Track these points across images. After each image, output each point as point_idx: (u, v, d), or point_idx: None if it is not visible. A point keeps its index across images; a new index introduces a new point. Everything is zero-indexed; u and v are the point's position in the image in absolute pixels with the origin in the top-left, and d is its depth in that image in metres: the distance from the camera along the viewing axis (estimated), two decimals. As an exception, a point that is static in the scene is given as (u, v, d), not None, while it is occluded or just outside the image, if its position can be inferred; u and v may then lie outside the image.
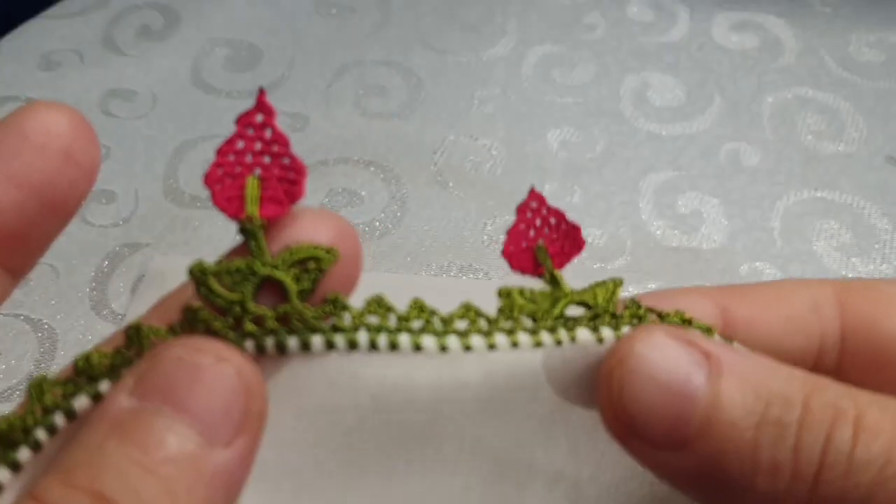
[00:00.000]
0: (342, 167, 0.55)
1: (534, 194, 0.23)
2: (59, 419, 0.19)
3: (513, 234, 0.23)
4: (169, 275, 0.48)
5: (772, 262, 0.50)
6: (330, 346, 0.20)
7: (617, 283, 0.22)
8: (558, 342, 0.21)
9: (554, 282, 0.22)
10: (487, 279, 0.50)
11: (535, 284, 0.23)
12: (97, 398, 0.19)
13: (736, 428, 0.18)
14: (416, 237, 0.52)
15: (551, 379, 0.21)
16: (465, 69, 0.61)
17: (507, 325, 0.21)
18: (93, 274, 0.50)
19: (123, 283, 0.49)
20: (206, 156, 0.56)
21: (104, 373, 0.19)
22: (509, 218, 0.53)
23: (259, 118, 0.21)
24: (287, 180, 0.21)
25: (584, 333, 0.21)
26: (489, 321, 0.21)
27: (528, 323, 0.21)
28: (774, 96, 0.60)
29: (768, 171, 0.55)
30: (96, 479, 0.16)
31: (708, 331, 0.21)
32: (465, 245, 0.51)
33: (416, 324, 0.21)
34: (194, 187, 0.54)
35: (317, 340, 0.20)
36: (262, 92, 0.22)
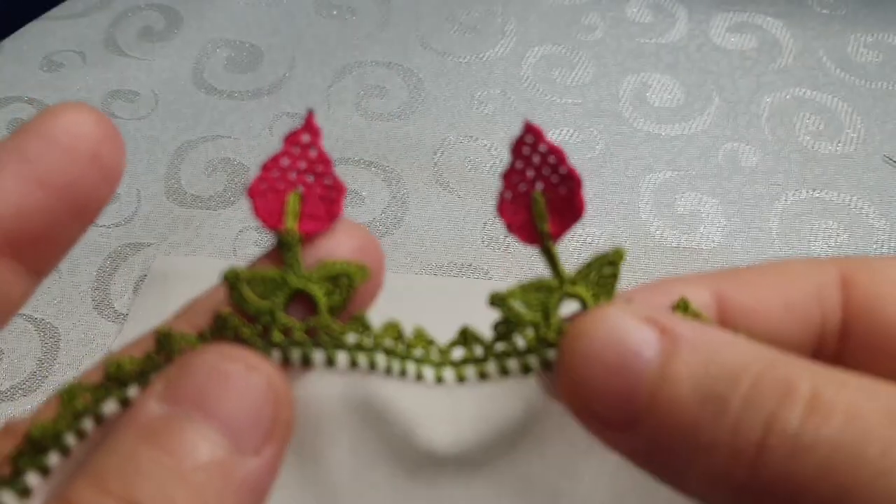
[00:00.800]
0: (343, 167, 0.55)
1: (529, 127, 0.22)
2: (88, 424, 0.19)
3: (508, 177, 0.22)
4: (171, 274, 0.49)
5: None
6: (353, 364, 0.20)
7: (616, 257, 0.21)
8: (545, 365, 0.21)
9: (550, 260, 0.22)
10: (487, 279, 0.50)
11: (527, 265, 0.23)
12: (126, 403, 0.19)
13: (679, 404, 0.17)
14: (416, 237, 0.52)
15: (549, 392, 0.22)
16: (465, 70, 0.62)
17: (500, 346, 0.21)
18: (95, 273, 0.50)
19: (126, 282, 0.50)
20: (207, 156, 0.56)
21: (133, 378, 0.19)
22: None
23: (306, 138, 0.22)
24: (328, 199, 0.21)
25: None
26: (485, 347, 0.21)
27: (520, 343, 0.21)
28: (772, 97, 0.60)
29: (766, 172, 0.55)
30: (129, 485, 0.16)
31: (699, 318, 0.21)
32: (465, 245, 0.51)
33: (419, 352, 0.21)
34: (196, 187, 0.55)
35: (342, 357, 0.20)
36: (310, 113, 0.22)
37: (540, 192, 0.22)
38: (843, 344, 0.21)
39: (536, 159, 0.22)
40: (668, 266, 0.51)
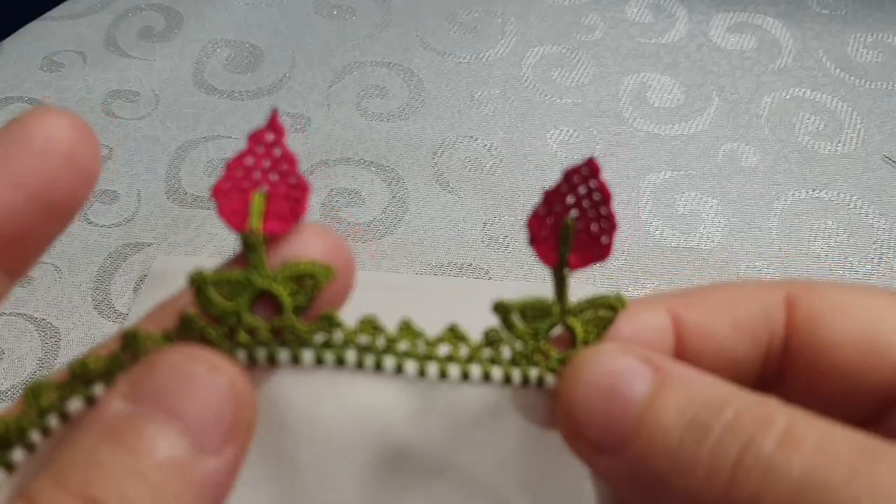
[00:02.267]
0: (343, 167, 0.55)
1: (591, 162, 0.23)
2: (53, 421, 0.19)
3: (550, 195, 0.23)
4: (171, 275, 0.49)
5: (770, 262, 0.51)
6: (319, 361, 0.21)
7: (618, 303, 0.22)
8: (525, 382, 0.22)
9: (559, 287, 0.22)
10: (487, 279, 0.50)
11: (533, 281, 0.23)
12: (91, 401, 0.19)
13: (664, 429, 0.18)
14: (416, 237, 0.52)
15: (523, 411, 0.22)
16: (464, 70, 0.62)
17: (487, 352, 0.22)
18: (96, 273, 0.50)
19: (126, 282, 0.50)
20: (208, 156, 0.56)
21: (99, 376, 0.19)
22: (509, 217, 0.54)
23: (270, 137, 0.22)
24: (292, 198, 0.22)
25: (551, 380, 0.22)
26: (471, 348, 0.22)
27: (506, 354, 0.22)
28: (772, 97, 0.60)
29: (766, 172, 0.55)
30: (88, 482, 0.16)
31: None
32: (465, 245, 0.51)
33: (403, 345, 0.21)
34: (196, 187, 0.55)
35: (307, 355, 0.20)
36: (274, 112, 0.22)
37: (573, 219, 0.22)
38: (785, 360, 0.23)
39: (583, 190, 0.22)
40: (668, 267, 0.51)
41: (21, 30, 0.63)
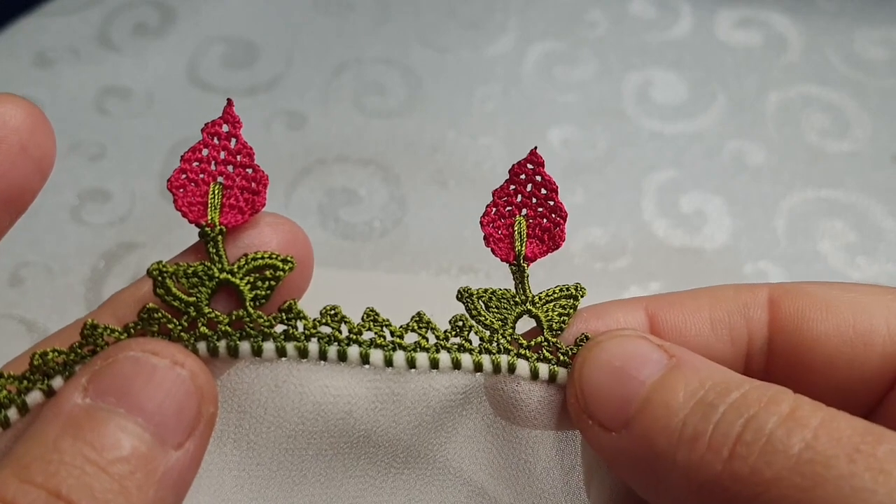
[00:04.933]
0: (341, 166, 0.55)
1: (534, 154, 0.24)
2: (12, 413, 0.19)
3: (499, 194, 0.24)
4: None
5: (776, 262, 0.50)
6: (281, 353, 0.21)
7: (578, 293, 0.23)
8: (496, 370, 0.22)
9: (519, 279, 0.23)
10: (488, 279, 0.49)
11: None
12: (50, 394, 0.19)
13: (670, 409, 0.19)
14: (415, 237, 0.51)
15: (492, 400, 0.23)
16: (464, 67, 0.61)
17: (455, 341, 0.22)
18: (88, 274, 0.49)
19: (119, 284, 0.49)
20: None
21: (58, 369, 0.20)
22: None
23: (225, 128, 0.22)
24: (249, 190, 0.22)
25: (522, 366, 0.22)
26: (438, 337, 0.22)
27: (475, 341, 0.22)
28: (778, 94, 0.59)
29: (772, 170, 0.54)
30: (52, 476, 0.16)
31: None
32: (465, 245, 0.51)
33: (368, 335, 0.22)
34: (191, 186, 0.54)
35: (268, 347, 0.21)
36: (229, 102, 0.22)
37: (523, 216, 0.24)
38: (770, 359, 0.23)
39: (530, 187, 0.24)
40: (671, 267, 0.50)
41: (13, 26, 0.63)
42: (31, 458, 0.17)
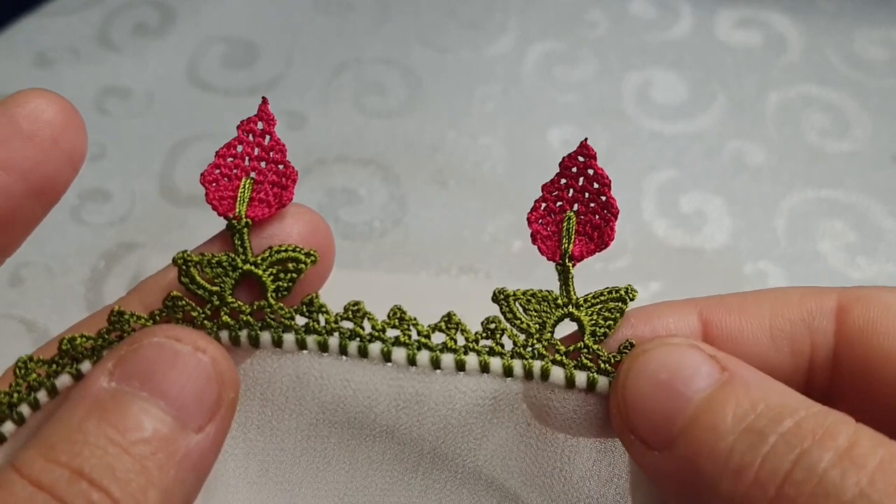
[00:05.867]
0: (341, 166, 0.55)
1: (585, 147, 0.22)
2: (42, 396, 0.20)
3: (549, 189, 0.23)
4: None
5: (776, 262, 0.50)
6: (301, 345, 0.21)
7: (627, 295, 0.22)
8: (528, 376, 0.21)
9: (564, 279, 0.22)
10: (488, 279, 0.49)
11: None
12: (79, 377, 0.20)
13: (717, 433, 0.17)
14: (415, 237, 0.51)
15: (528, 403, 0.22)
16: (464, 67, 0.61)
17: (486, 343, 0.21)
18: (89, 274, 0.49)
19: (119, 283, 0.49)
20: (203, 154, 0.56)
21: (86, 354, 0.20)
22: (510, 217, 0.53)
23: (260, 126, 0.23)
24: (279, 185, 0.22)
25: (557, 372, 0.21)
26: (468, 339, 0.21)
27: (507, 344, 0.21)
28: (778, 94, 0.59)
29: (772, 170, 0.54)
30: (76, 455, 0.17)
31: None
32: (465, 245, 0.51)
33: (392, 332, 0.21)
34: (191, 186, 0.54)
35: (289, 339, 0.21)
36: (264, 101, 0.23)
37: (574, 212, 0.22)
38: (834, 374, 0.21)
39: (581, 180, 0.22)
40: (672, 267, 0.50)
41: (13, 25, 0.63)
42: (57, 439, 0.17)
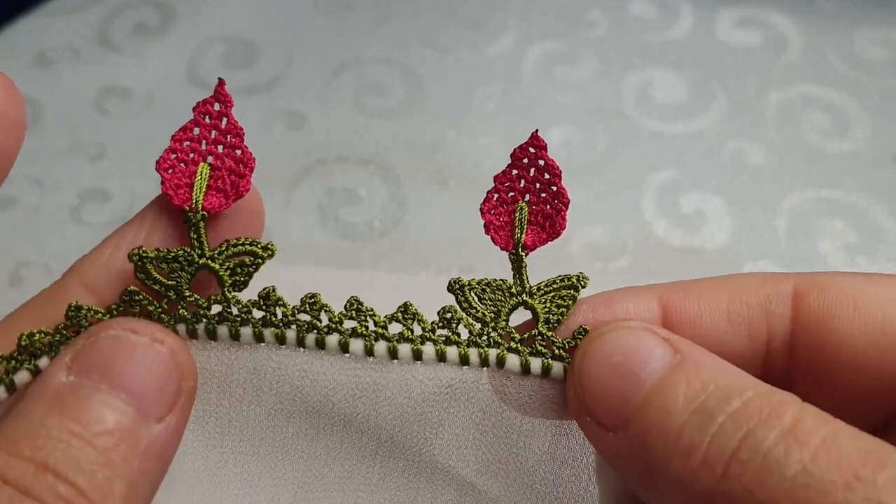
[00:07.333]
0: (340, 166, 0.54)
1: (536, 138, 0.23)
2: (0, 392, 0.20)
3: (500, 179, 0.23)
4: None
5: (776, 262, 0.50)
6: (259, 338, 0.21)
7: (579, 283, 0.22)
8: (484, 363, 0.21)
9: (517, 268, 0.22)
10: (488, 280, 0.49)
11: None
12: (37, 373, 0.20)
13: (668, 414, 0.18)
14: (415, 237, 0.51)
15: (498, 390, 0.22)
16: (464, 67, 0.61)
17: (443, 333, 0.22)
18: (88, 274, 0.49)
19: (119, 283, 0.49)
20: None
21: (44, 350, 0.20)
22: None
23: (216, 107, 0.22)
24: (236, 173, 0.22)
25: (512, 360, 0.22)
26: (424, 328, 0.22)
27: (464, 334, 0.22)
28: (779, 94, 0.59)
29: (772, 170, 0.54)
30: (40, 449, 0.17)
31: None
32: (465, 245, 0.50)
33: (349, 324, 0.21)
34: (191, 186, 0.54)
35: (246, 332, 0.21)
36: (221, 82, 0.22)
37: (526, 202, 0.23)
38: (791, 358, 0.21)
39: (533, 171, 0.23)
40: (672, 267, 0.50)
41: (13, 25, 0.63)
42: (20, 435, 0.17)
